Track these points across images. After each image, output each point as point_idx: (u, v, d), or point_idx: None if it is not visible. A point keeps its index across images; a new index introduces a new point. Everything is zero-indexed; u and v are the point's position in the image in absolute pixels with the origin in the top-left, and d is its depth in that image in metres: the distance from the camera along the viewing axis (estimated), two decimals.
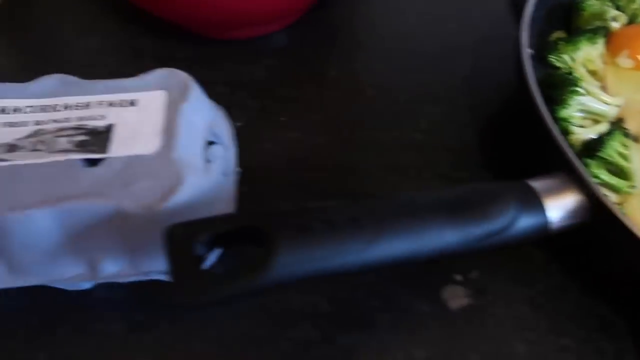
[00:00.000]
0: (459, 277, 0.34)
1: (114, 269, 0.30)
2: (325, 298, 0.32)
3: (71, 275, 0.30)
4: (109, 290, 0.31)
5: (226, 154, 0.32)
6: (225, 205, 0.31)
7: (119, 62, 0.44)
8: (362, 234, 0.25)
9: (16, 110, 0.32)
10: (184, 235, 0.24)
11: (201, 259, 0.24)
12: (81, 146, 0.30)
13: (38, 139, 0.30)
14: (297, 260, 0.24)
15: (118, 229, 0.28)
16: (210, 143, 0.32)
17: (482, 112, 0.42)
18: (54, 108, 0.32)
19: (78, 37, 0.46)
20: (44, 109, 0.32)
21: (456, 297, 0.33)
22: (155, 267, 0.30)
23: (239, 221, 0.25)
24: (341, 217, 0.25)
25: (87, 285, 0.30)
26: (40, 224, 0.28)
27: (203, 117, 0.32)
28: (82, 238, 0.28)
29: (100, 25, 0.46)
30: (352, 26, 0.49)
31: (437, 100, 0.42)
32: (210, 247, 0.25)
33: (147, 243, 0.29)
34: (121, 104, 0.32)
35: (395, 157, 0.39)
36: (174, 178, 0.28)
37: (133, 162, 0.29)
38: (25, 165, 0.29)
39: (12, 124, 0.31)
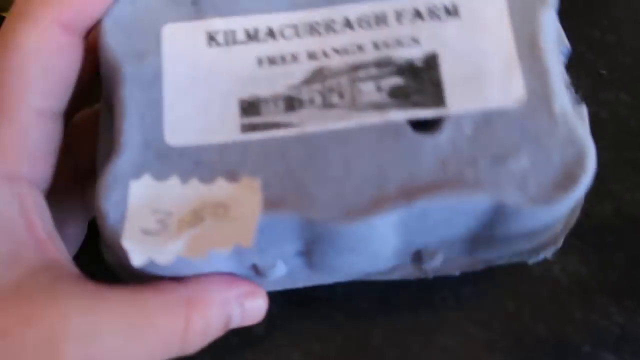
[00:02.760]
0: None
1: (440, 261, 0.21)
2: None
3: (385, 269, 0.22)
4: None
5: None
6: None
7: None
8: None
9: (271, 33, 0.21)
10: None
11: None
12: (399, 96, 0.19)
13: (325, 85, 0.20)
14: None
15: (478, 224, 0.19)
16: None
17: None
18: (329, 26, 0.20)
19: None
20: (313, 28, 0.20)
21: None
22: (502, 254, 0.21)
23: None
24: None
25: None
26: (379, 229, 0.19)
27: (556, 29, 0.21)
28: (421, 233, 0.20)
29: None
30: None
31: None
32: None
33: (509, 238, 0.20)
34: (434, 13, 0.20)
35: None
36: (571, 148, 0.18)
37: (491, 121, 0.19)
38: (325, 133, 0.19)
39: (274, 60, 0.20)
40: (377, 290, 0.24)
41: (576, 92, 0.21)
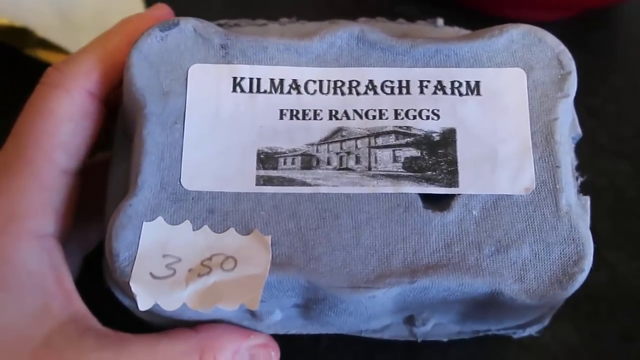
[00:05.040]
0: None
1: (431, 326, 0.22)
2: None
3: (378, 327, 0.23)
4: None
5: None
6: None
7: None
8: None
9: (296, 86, 0.21)
10: None
11: None
12: (414, 169, 0.20)
13: (343, 147, 0.20)
14: None
15: (472, 303, 0.20)
16: None
17: None
18: (352, 88, 0.21)
19: None
20: (337, 87, 0.21)
21: None
22: (490, 327, 0.22)
23: None
24: None
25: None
26: (379, 299, 0.19)
27: (572, 116, 0.21)
28: (417, 304, 0.20)
29: None
30: None
31: None
32: None
33: (500, 317, 0.21)
34: (457, 88, 0.21)
35: None
36: (572, 246, 0.19)
37: (499, 207, 0.19)
38: (337, 196, 0.20)
39: (296, 114, 0.21)
40: (362, 347, 0.25)
41: (581, 175, 0.21)
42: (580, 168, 0.22)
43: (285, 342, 0.22)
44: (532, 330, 0.22)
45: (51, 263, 0.20)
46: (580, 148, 0.29)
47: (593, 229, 0.20)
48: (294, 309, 0.21)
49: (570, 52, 0.21)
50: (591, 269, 0.20)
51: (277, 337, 0.23)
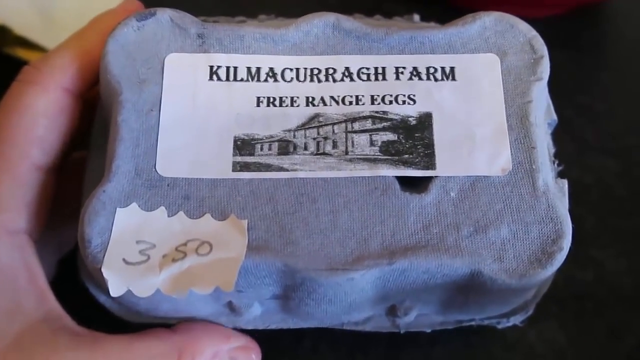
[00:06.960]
0: None
1: (414, 316, 0.22)
2: None
3: (360, 319, 0.22)
4: None
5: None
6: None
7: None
8: None
9: (272, 74, 0.21)
10: None
11: None
12: (391, 152, 0.20)
13: (320, 133, 0.20)
14: None
15: (453, 287, 0.20)
16: None
17: None
18: (329, 75, 0.21)
19: None
20: (314, 74, 0.21)
21: None
22: (473, 316, 0.22)
23: None
24: None
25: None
26: (359, 283, 0.19)
27: (546, 101, 0.22)
28: (398, 290, 0.20)
29: None
30: None
31: None
32: None
33: (482, 303, 0.21)
34: (432, 74, 0.21)
35: None
36: (550, 225, 0.19)
37: (476, 188, 0.19)
38: (315, 180, 0.20)
39: (273, 101, 0.21)
40: (345, 344, 0.24)
41: (559, 164, 0.21)
42: (568, 164, 0.22)
43: (266, 343, 0.22)
44: (516, 320, 0.22)
45: (23, 260, 0.20)
46: (569, 145, 0.29)
47: (580, 226, 0.20)
48: (273, 301, 0.21)
49: (560, 50, 0.21)
50: (577, 266, 0.20)
51: (258, 339, 0.22)
